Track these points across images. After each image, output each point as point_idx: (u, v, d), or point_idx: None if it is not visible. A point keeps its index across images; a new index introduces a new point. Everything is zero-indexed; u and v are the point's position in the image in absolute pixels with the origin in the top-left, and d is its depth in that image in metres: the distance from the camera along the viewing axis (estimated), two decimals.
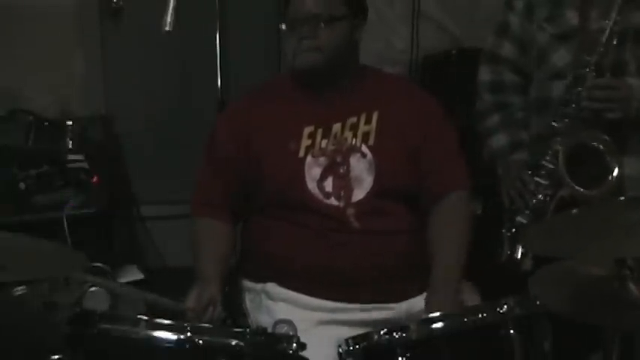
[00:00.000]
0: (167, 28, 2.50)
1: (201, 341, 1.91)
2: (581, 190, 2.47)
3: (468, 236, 2.41)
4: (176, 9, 2.50)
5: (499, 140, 2.70)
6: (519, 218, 2.58)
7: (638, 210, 1.80)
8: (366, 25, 2.48)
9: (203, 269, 2.37)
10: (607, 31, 2.44)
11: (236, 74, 3.12)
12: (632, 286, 1.77)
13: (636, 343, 2.06)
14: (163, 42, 3.20)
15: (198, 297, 2.27)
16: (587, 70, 2.45)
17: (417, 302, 2.38)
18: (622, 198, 2.34)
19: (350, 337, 1.99)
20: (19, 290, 2.15)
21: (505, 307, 1.99)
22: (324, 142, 2.41)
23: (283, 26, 2.42)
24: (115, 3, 3.81)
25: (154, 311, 2.17)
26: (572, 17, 2.54)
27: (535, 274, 1.90)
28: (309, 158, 2.39)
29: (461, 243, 2.39)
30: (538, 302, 1.97)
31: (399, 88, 2.56)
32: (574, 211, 1.95)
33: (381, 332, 1.96)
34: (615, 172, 2.45)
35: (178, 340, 1.91)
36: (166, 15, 2.50)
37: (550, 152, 2.52)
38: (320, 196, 2.37)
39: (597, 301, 1.80)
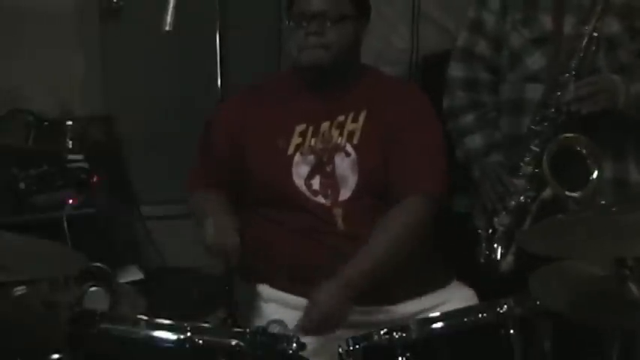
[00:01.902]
0: (167, 28, 2.50)
1: (201, 341, 1.91)
2: (566, 192, 2.47)
3: (406, 239, 2.30)
4: (176, 9, 2.50)
5: (474, 141, 2.68)
6: (497, 219, 2.58)
7: (638, 210, 1.80)
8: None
9: (210, 210, 2.34)
10: (586, 38, 2.45)
11: (236, 74, 3.11)
12: (632, 286, 1.77)
13: (636, 343, 2.06)
14: (163, 42, 3.20)
15: (215, 227, 2.22)
16: (567, 75, 2.46)
17: (411, 306, 2.36)
18: (602, 202, 2.37)
19: (350, 337, 1.99)
20: (19, 290, 2.15)
21: (505, 307, 1.99)
22: (313, 141, 2.41)
23: (288, 22, 2.42)
24: (115, 3, 3.81)
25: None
26: (546, 22, 2.55)
27: (535, 274, 1.90)
28: (297, 156, 2.40)
29: (381, 249, 2.27)
30: (538, 302, 1.97)
31: (394, 89, 2.54)
32: (575, 211, 1.96)
33: (381, 332, 1.97)
34: (595, 175, 2.45)
35: (178, 340, 1.91)
36: (166, 15, 2.50)
37: (529, 155, 2.52)
38: (307, 193, 2.38)
39: (597, 301, 1.80)
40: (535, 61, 2.55)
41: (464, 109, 2.70)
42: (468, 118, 2.69)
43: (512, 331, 1.99)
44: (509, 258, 2.54)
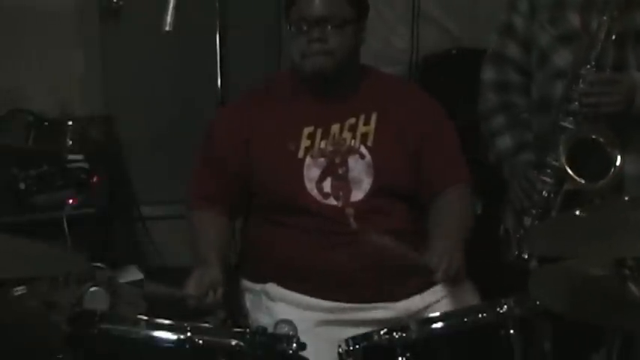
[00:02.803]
0: (167, 28, 2.50)
1: (201, 341, 1.91)
2: (584, 182, 2.47)
3: (469, 222, 2.42)
4: (176, 9, 2.50)
5: (505, 142, 2.70)
6: (527, 218, 2.59)
7: (638, 210, 1.80)
8: (366, 25, 2.48)
9: (203, 255, 2.36)
10: (605, 27, 2.45)
11: (236, 74, 3.11)
12: (632, 286, 1.77)
13: (636, 342, 2.06)
14: (163, 42, 3.19)
15: (198, 281, 2.25)
16: (588, 67, 2.46)
17: (417, 301, 2.38)
18: (625, 198, 2.36)
19: (350, 337, 1.99)
20: (19, 290, 2.15)
21: (505, 307, 2.00)
22: (323, 143, 2.41)
23: (289, 27, 2.41)
24: (115, 3, 3.81)
25: (155, 302, 2.17)
26: (573, 19, 2.55)
27: (535, 274, 1.90)
28: (308, 159, 2.40)
29: (461, 224, 2.39)
30: (538, 302, 1.97)
31: (397, 88, 2.56)
32: (576, 211, 1.95)
33: (381, 332, 1.97)
34: (618, 163, 2.45)
35: (178, 340, 1.91)
36: (166, 15, 2.50)
37: (554, 150, 2.52)
38: (319, 196, 2.37)
39: (597, 301, 1.80)
40: (562, 57, 2.55)
41: (495, 111, 2.72)
42: (499, 120, 2.71)
43: (512, 331, 1.99)
44: (536, 258, 2.54)
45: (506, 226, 2.66)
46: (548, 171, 2.54)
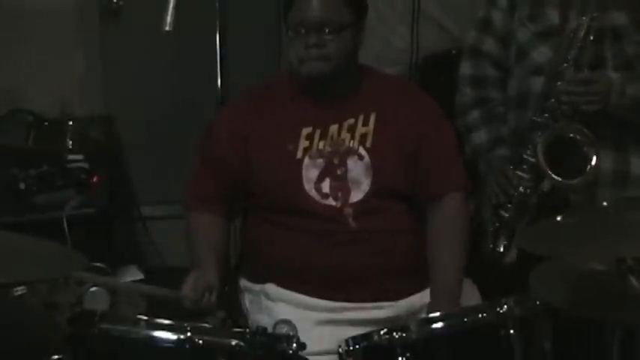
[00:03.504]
0: (167, 28, 2.50)
1: (201, 341, 1.91)
2: (561, 180, 2.49)
3: (466, 239, 2.41)
4: (176, 9, 2.50)
5: (480, 136, 2.71)
6: (502, 212, 2.60)
7: (638, 210, 1.80)
8: (365, 26, 2.47)
9: (199, 257, 2.38)
10: (584, 28, 2.46)
11: (236, 74, 3.11)
12: (632, 282, 1.77)
13: (637, 339, 2.06)
14: (163, 42, 3.19)
15: (194, 283, 2.27)
16: (566, 65, 2.47)
17: (417, 300, 2.38)
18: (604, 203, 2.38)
19: (350, 337, 1.99)
20: (19, 290, 2.15)
21: (505, 307, 2.00)
22: (321, 144, 2.41)
23: (287, 31, 2.41)
24: (115, 3, 3.81)
25: (152, 302, 2.17)
26: (552, 16, 2.57)
27: (535, 271, 1.90)
28: (306, 160, 2.39)
29: (459, 248, 2.39)
30: (538, 302, 1.97)
31: (396, 89, 2.55)
32: (575, 211, 1.96)
33: (381, 332, 1.97)
34: (594, 161, 2.46)
35: (178, 340, 1.91)
36: (166, 15, 2.50)
37: (530, 146, 2.53)
38: (317, 197, 2.37)
39: (598, 297, 1.80)
40: (540, 54, 2.56)
41: (471, 106, 2.73)
42: (475, 115, 2.72)
43: (512, 331, 1.99)
44: (513, 251, 2.56)
45: (481, 220, 2.67)
46: (525, 167, 2.55)
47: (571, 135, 2.48)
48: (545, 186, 2.52)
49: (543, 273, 1.87)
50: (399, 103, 2.47)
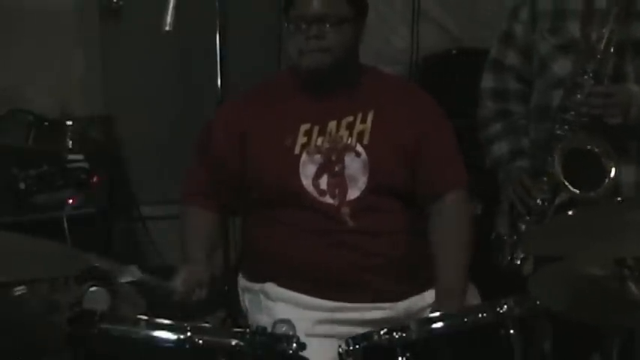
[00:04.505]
0: (167, 28, 2.51)
1: (201, 341, 1.91)
2: (578, 192, 2.48)
3: (469, 237, 2.41)
4: (176, 9, 2.50)
5: (500, 148, 2.71)
6: (520, 224, 2.59)
7: (638, 210, 1.80)
8: (366, 25, 2.48)
9: (190, 252, 2.41)
10: (604, 40, 2.45)
11: (236, 74, 3.11)
12: (632, 286, 1.77)
13: (636, 343, 2.06)
14: (163, 42, 3.20)
15: (186, 277, 2.30)
16: (585, 77, 2.46)
17: (416, 301, 2.38)
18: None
19: (350, 337, 1.99)
20: (19, 290, 2.15)
21: (505, 307, 1.99)
22: (319, 140, 2.41)
23: (287, 25, 2.42)
24: (115, 3, 3.81)
25: (144, 290, 2.18)
26: (573, 29, 2.55)
27: (535, 274, 1.90)
28: (304, 156, 2.40)
29: (463, 248, 2.39)
30: (538, 302, 1.97)
31: (395, 87, 2.56)
32: (574, 212, 1.95)
33: (381, 332, 1.97)
34: (612, 174, 2.46)
35: (178, 340, 1.91)
36: (166, 14, 2.50)
37: (550, 158, 2.53)
38: (315, 193, 2.37)
39: (597, 301, 1.80)
40: (561, 67, 2.56)
41: (492, 119, 2.73)
42: (496, 127, 2.72)
43: (512, 331, 1.99)
44: (530, 262, 2.55)
45: (498, 232, 2.66)
46: (544, 179, 2.55)
47: (589, 147, 2.48)
48: (563, 198, 2.51)
49: (542, 277, 1.87)
50: (399, 102, 2.47)
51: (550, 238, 1.87)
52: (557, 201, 2.53)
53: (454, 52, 3.73)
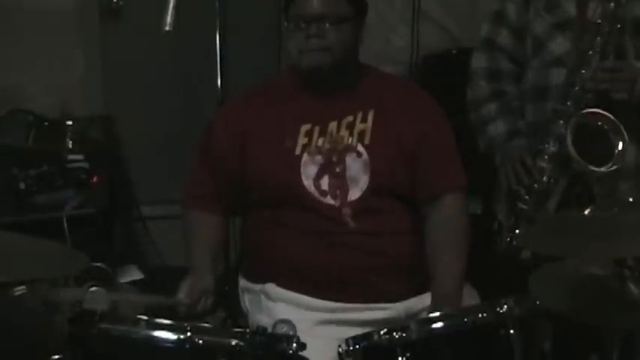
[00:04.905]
0: (167, 28, 2.50)
1: (201, 341, 1.91)
2: (591, 167, 2.47)
3: (466, 240, 2.40)
4: (176, 9, 2.50)
5: (497, 128, 2.69)
6: (520, 204, 2.58)
7: (638, 210, 1.80)
8: (366, 24, 2.48)
9: (195, 260, 2.40)
10: (607, 18, 2.46)
11: (236, 74, 3.11)
12: (632, 286, 1.77)
13: (636, 343, 2.06)
14: (163, 42, 3.19)
15: (190, 288, 2.30)
16: (591, 53, 2.46)
17: (417, 301, 2.38)
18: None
19: (350, 337, 1.99)
20: (19, 290, 2.15)
21: (505, 307, 1.99)
22: (320, 141, 2.41)
23: (286, 23, 2.42)
24: (115, 3, 3.81)
25: (150, 311, 2.17)
26: (569, 6, 2.56)
27: (535, 274, 1.90)
28: (305, 156, 2.40)
29: (459, 252, 2.38)
30: (538, 302, 1.97)
31: (396, 87, 2.56)
32: (573, 212, 1.95)
33: (381, 332, 1.97)
34: (620, 147, 2.45)
35: (178, 340, 1.91)
36: (166, 14, 2.50)
37: (552, 136, 2.52)
38: (316, 194, 2.38)
39: (597, 301, 1.80)
40: (558, 45, 2.56)
41: (486, 100, 2.72)
42: (491, 107, 2.71)
43: (512, 331, 1.99)
44: None
45: (499, 218, 2.65)
46: (545, 157, 2.53)
47: (598, 124, 2.46)
48: (570, 174, 2.49)
49: (542, 277, 1.87)
50: (399, 101, 2.47)
51: (550, 238, 1.87)
52: (562, 181, 2.52)
53: (454, 52, 3.73)
